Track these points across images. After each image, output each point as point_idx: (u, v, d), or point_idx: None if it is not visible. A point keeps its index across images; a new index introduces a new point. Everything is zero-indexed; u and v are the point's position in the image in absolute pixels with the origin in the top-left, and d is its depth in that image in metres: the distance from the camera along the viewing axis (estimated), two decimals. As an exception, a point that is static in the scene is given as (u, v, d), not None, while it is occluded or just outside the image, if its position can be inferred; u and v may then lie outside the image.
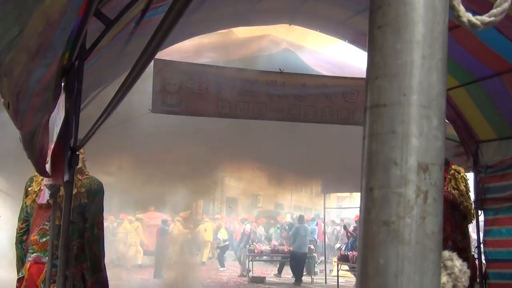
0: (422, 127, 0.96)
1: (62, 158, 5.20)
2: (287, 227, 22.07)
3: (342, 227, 20.55)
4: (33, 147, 4.39)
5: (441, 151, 0.98)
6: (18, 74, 3.29)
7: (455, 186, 9.51)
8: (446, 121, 9.70)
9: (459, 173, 9.69)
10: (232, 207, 19.70)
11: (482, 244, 9.06)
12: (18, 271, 7.78)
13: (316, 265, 21.04)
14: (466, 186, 9.64)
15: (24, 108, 3.78)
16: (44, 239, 7.65)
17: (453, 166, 9.74)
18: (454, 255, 1.11)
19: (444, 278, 1.07)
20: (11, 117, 3.78)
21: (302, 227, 18.65)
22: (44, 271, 7.19)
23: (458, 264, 1.10)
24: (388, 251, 0.93)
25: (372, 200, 0.97)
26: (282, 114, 10.73)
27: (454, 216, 9.28)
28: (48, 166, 5.42)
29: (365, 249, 0.96)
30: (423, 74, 0.98)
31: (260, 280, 18.43)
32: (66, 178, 5.28)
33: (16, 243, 7.95)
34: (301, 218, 19.33)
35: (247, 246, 20.55)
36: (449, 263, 1.10)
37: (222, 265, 20.43)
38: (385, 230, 0.94)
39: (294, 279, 18.11)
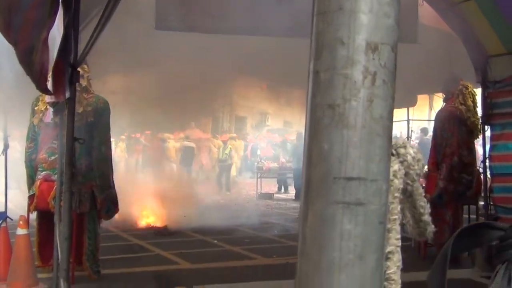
0: (371, 3, 0.88)
1: (63, 75, 5.14)
2: (279, 144, 21.87)
3: None
4: (32, 64, 4.33)
5: (392, 30, 0.90)
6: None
7: (462, 102, 9.42)
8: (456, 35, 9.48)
9: (466, 88, 9.57)
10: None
11: (487, 158, 9.04)
12: (29, 189, 7.91)
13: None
14: (474, 101, 9.54)
15: (18, 22, 3.69)
16: (52, 158, 7.71)
17: (461, 82, 9.61)
18: (408, 142, 1.05)
19: (395, 166, 1.01)
20: (2, 32, 3.69)
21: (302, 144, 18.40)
22: (54, 188, 7.29)
23: (411, 151, 1.04)
24: (333, 136, 0.88)
25: (317, 84, 0.90)
26: (291, 30, 10.49)
27: (461, 131, 9.24)
28: (49, 84, 5.37)
29: (309, 136, 0.91)
30: None
31: (268, 196, 18.71)
32: (67, 95, 5.23)
33: (25, 161, 8.04)
34: (300, 136, 19.08)
35: (256, 163, 20.68)
36: (402, 150, 1.04)
37: (220, 186, 19.98)
38: (329, 114, 0.88)
39: (294, 195, 18.34)
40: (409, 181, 1.04)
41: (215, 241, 10.54)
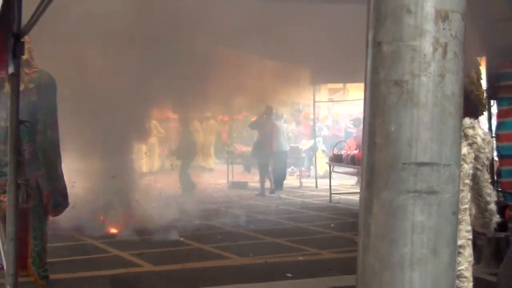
0: (441, -35, 0.91)
1: (5, 47, 5.09)
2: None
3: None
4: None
5: (463, -5, 0.94)
6: None
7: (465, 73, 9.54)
8: None
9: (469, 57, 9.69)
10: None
11: (494, 138, 9.17)
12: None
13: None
14: (477, 72, 9.66)
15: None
16: (-10, 145, 7.63)
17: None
18: (476, 122, 1.09)
19: (464, 149, 1.05)
20: None
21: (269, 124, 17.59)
22: (-6, 181, 7.21)
23: (480, 132, 1.08)
24: (401, 116, 0.90)
25: (380, 57, 0.93)
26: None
27: (464, 107, 9.36)
28: (-12, 57, 5.32)
29: (372, 116, 0.93)
30: None
31: (242, 185, 18.49)
32: (10, 70, 5.18)
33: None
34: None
35: (226, 147, 20.38)
36: (470, 131, 1.07)
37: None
38: (396, 91, 0.91)
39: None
40: (479, 166, 1.07)
41: (181, 239, 10.54)
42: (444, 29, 0.92)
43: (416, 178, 0.90)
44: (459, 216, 1.03)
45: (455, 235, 0.92)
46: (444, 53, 0.91)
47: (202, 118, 21.55)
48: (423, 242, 0.90)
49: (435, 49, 0.91)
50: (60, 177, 8.04)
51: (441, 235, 0.91)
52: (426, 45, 0.91)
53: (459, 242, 1.00)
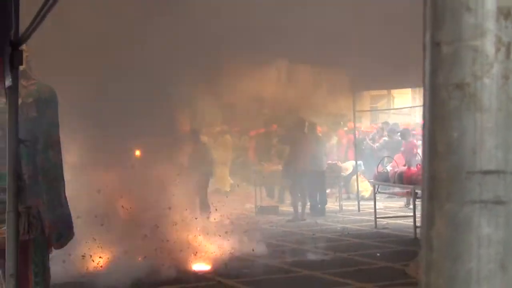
0: (503, -41, 0.97)
1: (1, 56, 5.18)
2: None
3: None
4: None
5: (528, -10, 1.00)
6: None
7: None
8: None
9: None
10: None
11: None
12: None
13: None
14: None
15: None
16: (-16, 168, 7.72)
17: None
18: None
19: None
20: None
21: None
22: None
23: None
24: (463, 122, 0.96)
25: (439, 59, 0.99)
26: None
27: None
28: (-18, 69, 5.42)
29: (432, 122, 0.99)
30: None
31: (272, 210, 18.33)
32: (8, 82, 5.25)
33: None
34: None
35: (253, 166, 20.25)
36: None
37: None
38: (458, 95, 0.97)
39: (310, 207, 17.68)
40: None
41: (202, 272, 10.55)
42: (506, 27, 0.97)
43: (481, 187, 0.95)
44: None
45: (525, 248, 0.97)
46: (508, 53, 0.97)
47: (216, 132, 21.55)
48: (491, 257, 0.95)
49: (497, 49, 0.97)
50: (63, 204, 8.09)
51: (510, 249, 0.96)
52: (488, 45, 0.97)
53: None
